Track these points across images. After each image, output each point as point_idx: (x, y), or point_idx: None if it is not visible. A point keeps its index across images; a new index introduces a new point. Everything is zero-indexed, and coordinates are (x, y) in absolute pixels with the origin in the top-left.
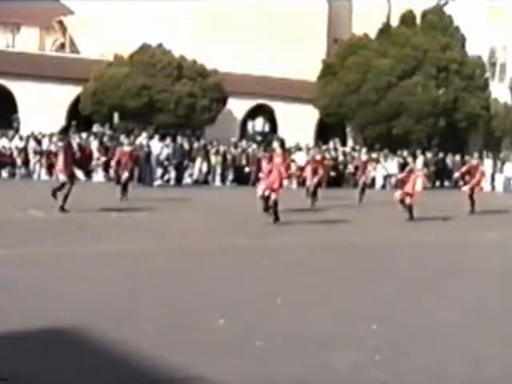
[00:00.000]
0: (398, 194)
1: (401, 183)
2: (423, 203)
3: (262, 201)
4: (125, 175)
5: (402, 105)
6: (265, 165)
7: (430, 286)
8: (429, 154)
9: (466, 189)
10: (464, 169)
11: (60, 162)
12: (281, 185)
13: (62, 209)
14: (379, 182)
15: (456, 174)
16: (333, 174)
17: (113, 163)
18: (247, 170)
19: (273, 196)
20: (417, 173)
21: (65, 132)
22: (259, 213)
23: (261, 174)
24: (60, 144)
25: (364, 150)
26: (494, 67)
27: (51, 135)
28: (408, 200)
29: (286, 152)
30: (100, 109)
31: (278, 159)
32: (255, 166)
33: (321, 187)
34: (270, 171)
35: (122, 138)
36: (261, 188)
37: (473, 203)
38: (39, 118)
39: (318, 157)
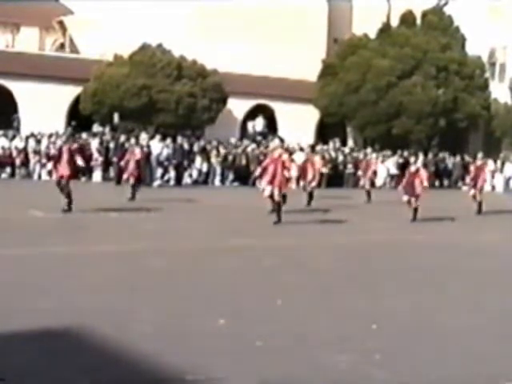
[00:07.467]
0: (412, 200)
1: (410, 187)
2: (423, 204)
3: (271, 201)
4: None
5: (402, 105)
6: (269, 165)
7: (430, 286)
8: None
9: (472, 192)
10: (472, 171)
11: (64, 162)
12: (285, 183)
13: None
14: (380, 182)
15: (467, 183)
16: (325, 170)
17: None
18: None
19: (277, 197)
20: (418, 173)
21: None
22: (266, 213)
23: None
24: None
25: (369, 149)
26: (493, 67)
27: (51, 135)
28: (414, 202)
29: (287, 152)
30: (100, 109)
31: (280, 159)
32: (256, 165)
33: (309, 189)
34: (275, 171)
35: (123, 139)
36: (268, 189)
37: (479, 204)
38: (39, 118)
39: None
